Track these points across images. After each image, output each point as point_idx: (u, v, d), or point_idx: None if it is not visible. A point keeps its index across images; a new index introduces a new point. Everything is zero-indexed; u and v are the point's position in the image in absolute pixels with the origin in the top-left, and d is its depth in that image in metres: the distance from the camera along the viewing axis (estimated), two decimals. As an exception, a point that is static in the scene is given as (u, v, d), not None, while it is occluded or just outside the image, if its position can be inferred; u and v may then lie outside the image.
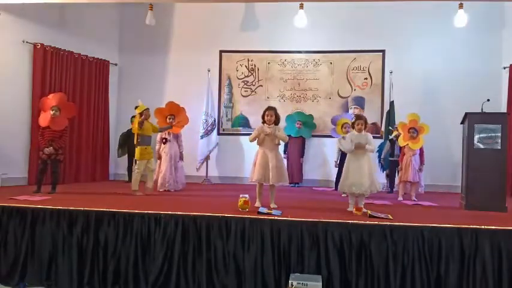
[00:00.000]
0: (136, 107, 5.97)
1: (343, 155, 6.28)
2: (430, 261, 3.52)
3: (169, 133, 6.53)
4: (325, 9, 7.86)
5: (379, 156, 7.35)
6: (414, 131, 5.96)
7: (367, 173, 4.45)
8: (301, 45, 8.33)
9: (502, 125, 4.90)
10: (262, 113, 4.73)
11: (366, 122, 4.66)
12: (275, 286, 3.62)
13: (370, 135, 4.65)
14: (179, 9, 8.65)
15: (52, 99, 5.76)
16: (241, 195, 4.30)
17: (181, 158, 6.69)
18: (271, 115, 4.63)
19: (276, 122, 4.68)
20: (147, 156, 5.76)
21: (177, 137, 6.64)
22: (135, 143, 5.77)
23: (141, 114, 5.78)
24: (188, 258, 3.79)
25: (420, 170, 6.04)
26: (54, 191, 5.57)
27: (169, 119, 6.50)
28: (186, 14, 8.58)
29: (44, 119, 5.61)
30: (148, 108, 5.90)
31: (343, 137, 6.52)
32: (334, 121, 7.42)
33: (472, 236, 3.52)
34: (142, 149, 5.72)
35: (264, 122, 4.69)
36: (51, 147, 5.53)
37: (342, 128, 6.88)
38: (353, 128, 4.74)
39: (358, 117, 4.70)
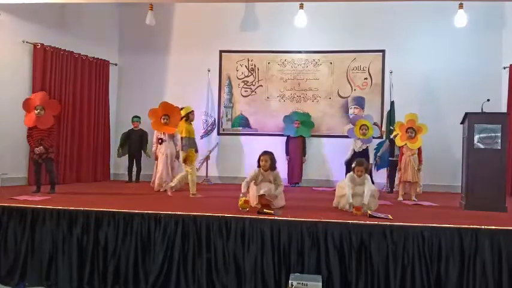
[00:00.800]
0: (181, 108, 5.90)
1: (353, 156, 6.45)
2: (430, 261, 3.52)
3: (164, 133, 6.53)
4: (325, 9, 7.86)
5: (375, 154, 7.36)
6: (412, 131, 5.96)
7: (363, 198, 4.40)
8: (301, 45, 8.33)
9: (502, 125, 4.89)
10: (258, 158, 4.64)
11: (366, 169, 4.65)
12: (275, 286, 3.62)
13: (368, 178, 4.62)
14: (179, 9, 8.65)
15: (35, 98, 5.74)
16: (241, 195, 4.30)
17: (177, 157, 6.68)
18: (265, 160, 4.52)
19: (272, 167, 4.59)
20: (194, 158, 5.72)
21: (172, 137, 6.63)
22: (182, 145, 5.71)
23: (186, 116, 5.75)
24: (188, 258, 3.79)
25: (419, 169, 6.04)
26: (53, 190, 5.56)
27: (164, 119, 6.49)
28: (186, 14, 8.58)
29: (29, 120, 5.56)
30: (193, 111, 5.88)
31: (359, 139, 6.68)
32: (353, 121, 7.37)
33: (472, 236, 3.52)
34: (192, 151, 5.68)
35: (259, 166, 4.62)
36: (41, 147, 5.50)
37: (359, 130, 6.91)
38: (353, 171, 4.64)
39: (359, 163, 4.60)
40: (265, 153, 4.57)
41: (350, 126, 7.30)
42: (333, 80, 8.29)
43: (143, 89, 8.61)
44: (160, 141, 6.55)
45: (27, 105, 5.67)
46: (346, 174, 6.63)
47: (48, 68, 7.20)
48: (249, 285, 3.64)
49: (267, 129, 8.35)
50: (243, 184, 4.53)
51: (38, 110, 5.54)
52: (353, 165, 4.67)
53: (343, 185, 4.64)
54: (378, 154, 7.23)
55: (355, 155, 6.55)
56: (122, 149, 8.01)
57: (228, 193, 6.38)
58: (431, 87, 7.89)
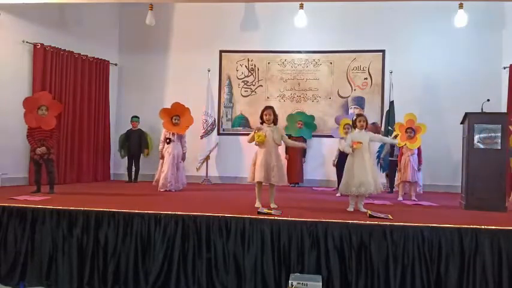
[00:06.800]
0: None
1: (341, 155, 6.33)
2: (430, 261, 3.51)
3: (173, 134, 6.53)
4: (325, 9, 7.87)
5: (378, 157, 7.35)
6: (411, 131, 5.96)
7: (371, 172, 4.48)
8: (301, 45, 8.33)
9: (502, 125, 4.89)
10: (260, 113, 4.73)
11: (367, 121, 4.71)
12: (275, 286, 3.61)
13: (370, 132, 4.77)
14: (179, 9, 8.66)
15: (39, 98, 5.69)
16: (252, 135, 4.53)
17: (183, 159, 6.69)
18: (269, 114, 4.63)
19: (275, 121, 4.68)
20: None
21: (181, 138, 6.64)
22: None
23: None
24: (188, 258, 3.79)
25: (418, 169, 6.04)
26: (52, 191, 5.54)
27: (175, 119, 6.52)
28: (186, 14, 8.58)
29: (32, 120, 5.48)
30: None
31: (342, 138, 6.60)
32: (337, 120, 7.39)
33: (472, 236, 3.51)
34: None
35: (262, 122, 4.68)
36: (44, 147, 5.48)
37: (343, 129, 6.87)
38: (354, 127, 4.76)
39: (360, 114, 4.80)
40: (268, 107, 4.72)
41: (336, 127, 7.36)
42: (333, 80, 8.29)
43: (143, 89, 8.62)
44: (168, 140, 6.54)
45: (29, 104, 5.57)
46: (337, 176, 6.67)
47: (48, 68, 7.20)
48: (249, 285, 3.64)
49: (267, 129, 8.34)
50: (248, 138, 4.67)
51: (42, 111, 5.50)
52: (353, 119, 4.78)
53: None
54: (381, 156, 7.22)
55: (341, 155, 6.48)
56: (123, 150, 8.03)
57: (228, 193, 6.39)
58: (431, 87, 7.89)
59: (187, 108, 6.71)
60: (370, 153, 4.64)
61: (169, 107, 6.74)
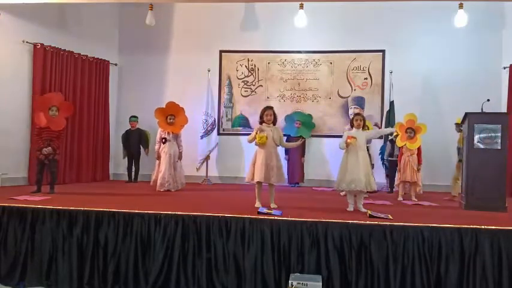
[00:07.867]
0: None
1: None
2: (430, 261, 3.51)
3: (169, 133, 6.54)
4: (325, 9, 7.87)
5: (382, 158, 7.35)
6: (411, 131, 5.96)
7: (363, 170, 4.51)
8: (301, 45, 8.33)
9: (502, 125, 4.90)
10: (260, 112, 4.75)
11: (364, 121, 4.78)
12: (275, 286, 3.61)
13: (366, 131, 4.91)
14: (179, 9, 8.66)
15: (51, 98, 5.69)
16: (253, 135, 4.57)
17: (180, 158, 6.69)
18: (270, 114, 4.67)
19: (274, 121, 4.73)
20: None
21: (176, 137, 6.65)
22: None
23: None
24: (188, 258, 3.79)
25: (418, 169, 6.03)
26: (52, 190, 5.55)
27: (170, 119, 6.52)
28: (186, 14, 8.58)
29: (42, 119, 5.49)
30: None
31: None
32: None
33: (472, 236, 3.51)
34: None
35: (262, 121, 4.70)
36: (50, 147, 5.48)
37: None
38: (352, 126, 4.79)
39: (357, 114, 4.89)
40: (269, 108, 4.77)
41: (348, 126, 7.31)
42: (333, 80, 8.29)
43: (143, 89, 8.62)
44: (164, 140, 6.55)
45: (40, 103, 5.57)
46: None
47: (48, 68, 7.19)
48: (249, 285, 3.64)
49: (267, 129, 8.34)
50: (248, 138, 4.71)
51: (53, 111, 5.50)
52: (351, 118, 4.89)
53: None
54: (385, 158, 7.21)
55: None
56: (125, 150, 8.04)
57: (228, 193, 6.39)
58: (431, 87, 7.89)
59: (182, 108, 6.69)
60: (365, 152, 4.66)
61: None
